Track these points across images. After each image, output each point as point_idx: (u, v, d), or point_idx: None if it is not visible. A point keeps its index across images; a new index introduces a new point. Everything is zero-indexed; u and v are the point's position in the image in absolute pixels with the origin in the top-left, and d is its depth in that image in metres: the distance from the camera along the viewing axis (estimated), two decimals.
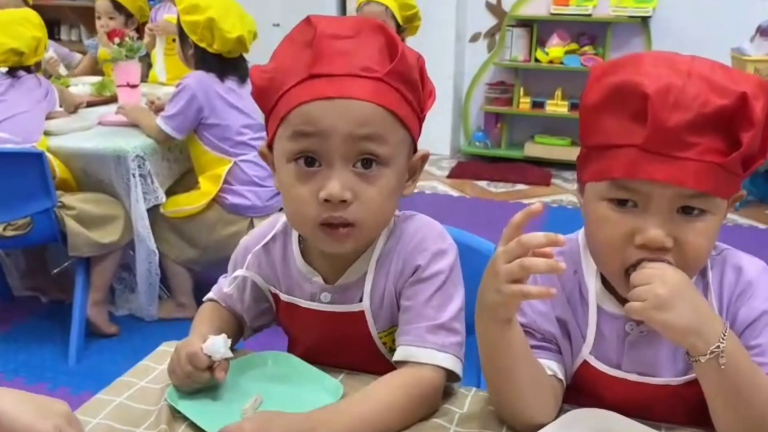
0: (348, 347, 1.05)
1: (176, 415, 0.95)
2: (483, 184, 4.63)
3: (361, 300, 1.03)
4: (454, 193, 4.45)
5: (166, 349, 1.11)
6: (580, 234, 0.99)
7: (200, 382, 0.98)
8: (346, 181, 0.92)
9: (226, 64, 2.54)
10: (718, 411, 0.85)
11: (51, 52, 3.47)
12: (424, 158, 1.03)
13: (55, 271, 3.00)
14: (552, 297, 0.81)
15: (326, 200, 0.91)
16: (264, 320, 1.15)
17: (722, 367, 0.79)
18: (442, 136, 5.18)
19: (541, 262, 0.78)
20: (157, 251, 2.55)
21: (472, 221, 3.27)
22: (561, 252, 0.97)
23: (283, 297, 1.08)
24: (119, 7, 3.52)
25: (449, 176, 4.77)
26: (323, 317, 1.05)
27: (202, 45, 2.50)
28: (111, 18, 3.51)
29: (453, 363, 0.97)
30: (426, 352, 0.97)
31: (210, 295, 1.15)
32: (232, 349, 1.00)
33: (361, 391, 0.95)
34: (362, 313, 1.03)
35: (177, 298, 2.71)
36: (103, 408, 0.97)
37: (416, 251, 1.02)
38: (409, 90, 0.95)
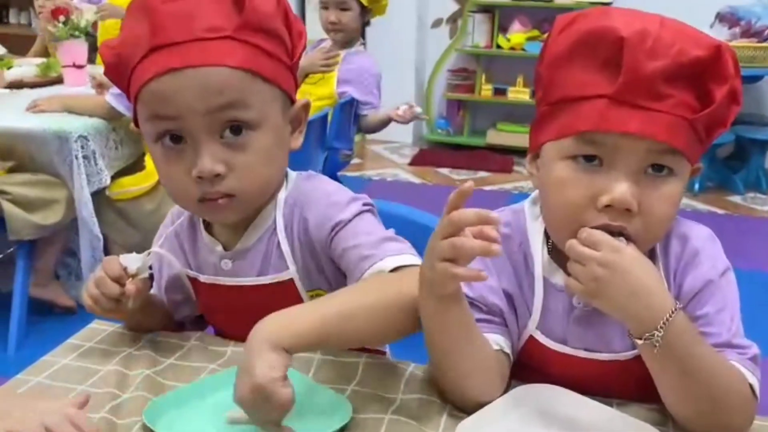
0: None
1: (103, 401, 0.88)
2: (445, 171, 4.60)
3: (272, 269, 0.99)
4: (416, 180, 4.40)
5: (96, 326, 1.06)
6: (527, 204, 0.95)
7: (107, 293, 0.93)
8: (216, 153, 0.87)
9: None
10: (661, 389, 0.82)
11: None
12: (306, 106, 0.98)
13: None
14: (482, 279, 0.77)
15: (200, 177, 0.87)
16: (184, 312, 1.10)
17: (655, 352, 0.76)
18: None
19: (474, 244, 0.73)
20: (101, 236, 2.46)
21: (434, 208, 3.21)
22: (507, 223, 0.93)
23: (202, 278, 1.03)
24: None
25: (411, 163, 4.72)
26: (246, 292, 1.00)
27: None
28: None
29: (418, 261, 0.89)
30: (388, 260, 0.90)
31: None
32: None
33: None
34: (291, 281, 0.99)
35: None
36: (19, 387, 0.91)
37: (331, 209, 0.96)
38: (270, 41, 0.88)
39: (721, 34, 3.96)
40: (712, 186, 4.21)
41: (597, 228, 0.78)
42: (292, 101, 0.96)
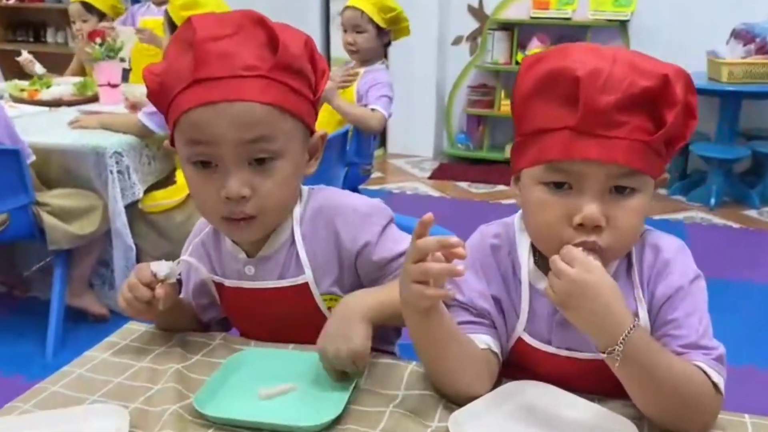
0: (295, 322, 1.10)
1: (143, 390, 0.98)
2: (464, 185, 4.67)
3: (290, 273, 1.09)
4: (435, 194, 4.49)
5: (132, 326, 1.17)
6: (516, 217, 1.04)
7: (139, 296, 1.04)
8: (243, 178, 0.98)
9: None
10: (629, 393, 0.90)
11: (25, 53, 3.51)
12: (323, 137, 1.09)
13: (33, 268, 3.02)
14: (450, 297, 0.91)
15: (228, 198, 0.98)
16: (210, 314, 1.21)
17: (617, 365, 0.84)
18: (425, 138, 5.22)
19: (441, 268, 0.83)
20: (134, 247, 2.57)
21: (452, 221, 3.28)
22: (497, 235, 1.03)
23: (227, 283, 1.14)
24: (90, 9, 3.52)
25: (431, 177, 4.81)
26: (266, 295, 1.10)
27: None
28: (84, 21, 3.52)
29: None
30: None
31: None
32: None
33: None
34: (306, 284, 1.09)
35: None
36: (64, 378, 1.02)
37: (361, 222, 1.08)
38: (297, 79, 0.99)
39: (736, 50, 4.00)
40: (728, 201, 4.22)
41: (577, 245, 0.88)
42: (312, 132, 1.07)
